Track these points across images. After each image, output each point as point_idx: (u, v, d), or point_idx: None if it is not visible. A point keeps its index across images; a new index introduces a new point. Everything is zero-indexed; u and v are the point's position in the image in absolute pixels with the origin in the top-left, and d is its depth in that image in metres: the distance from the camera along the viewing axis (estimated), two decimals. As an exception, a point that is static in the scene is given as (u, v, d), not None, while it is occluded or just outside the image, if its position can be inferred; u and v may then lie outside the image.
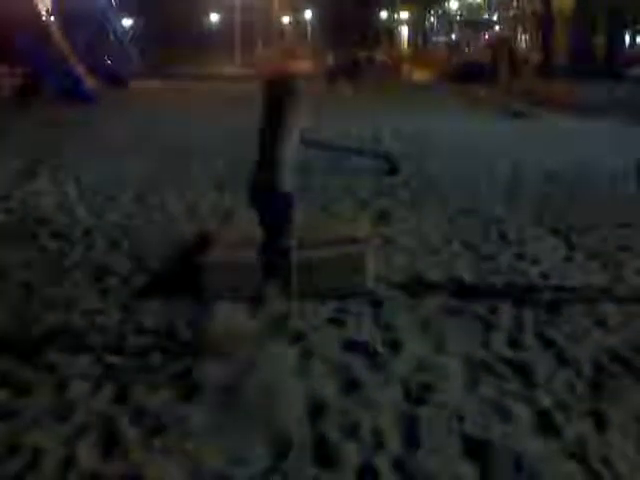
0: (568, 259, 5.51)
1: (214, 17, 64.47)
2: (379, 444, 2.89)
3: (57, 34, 20.91)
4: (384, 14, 68.22)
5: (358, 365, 3.61)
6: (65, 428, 3.02)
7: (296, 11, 58.40)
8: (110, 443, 2.92)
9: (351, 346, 3.84)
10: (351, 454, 2.82)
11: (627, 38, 36.11)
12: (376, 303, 4.47)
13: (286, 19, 61.24)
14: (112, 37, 31.81)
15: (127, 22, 46.39)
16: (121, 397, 3.30)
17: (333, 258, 4.66)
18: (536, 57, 36.62)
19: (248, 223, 5.86)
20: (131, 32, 43.57)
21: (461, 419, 3.06)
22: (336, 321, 4.21)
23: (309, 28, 61.83)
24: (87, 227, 6.50)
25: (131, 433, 2.98)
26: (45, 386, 3.40)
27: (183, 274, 4.94)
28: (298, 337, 3.95)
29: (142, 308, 4.45)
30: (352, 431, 2.99)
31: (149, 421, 3.07)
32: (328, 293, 4.49)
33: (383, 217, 6.83)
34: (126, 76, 27.99)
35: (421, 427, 3.01)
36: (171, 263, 5.41)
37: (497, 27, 58.98)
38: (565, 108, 19.01)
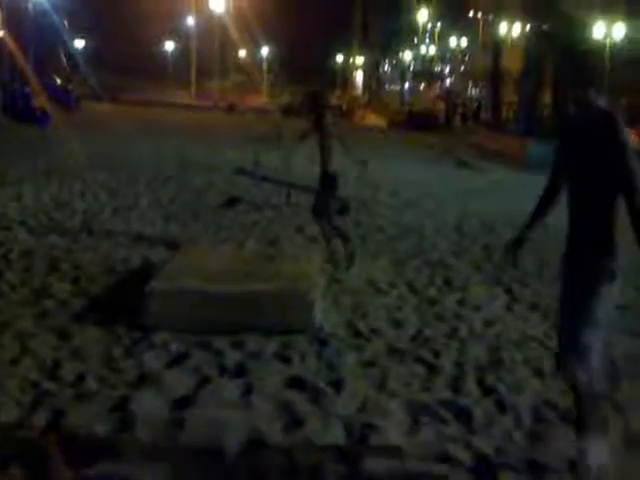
0: (509, 308, 5.63)
1: (169, 45, 64.54)
2: (319, 484, 2.85)
3: (7, 52, 20.57)
4: (340, 58, 69.75)
5: (301, 402, 3.57)
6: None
7: (254, 46, 59.04)
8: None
9: (295, 383, 3.80)
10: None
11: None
12: (321, 341, 4.46)
13: (243, 53, 61.84)
14: (64, 58, 31.44)
15: (80, 43, 45.93)
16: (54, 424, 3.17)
17: (280, 293, 4.65)
18: (485, 111, 37.93)
19: (194, 252, 5.84)
20: (84, 53, 43.16)
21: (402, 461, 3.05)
22: (281, 357, 4.17)
23: (265, 64, 62.56)
24: (26, 248, 6.32)
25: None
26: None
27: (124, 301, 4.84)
28: (240, 372, 3.90)
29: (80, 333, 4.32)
30: (292, 469, 2.94)
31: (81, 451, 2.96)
32: (274, 328, 4.46)
33: (332, 256, 6.86)
34: (76, 99, 27.64)
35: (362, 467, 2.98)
36: (112, 289, 5.29)
37: (448, 80, 61.02)
38: (510, 161, 19.69)
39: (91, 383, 3.65)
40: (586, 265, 2.83)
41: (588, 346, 2.75)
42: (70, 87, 29.17)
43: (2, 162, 11.63)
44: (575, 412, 2.94)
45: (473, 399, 3.78)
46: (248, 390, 3.68)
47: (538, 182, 13.13)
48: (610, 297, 2.79)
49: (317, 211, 6.60)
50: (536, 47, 27.31)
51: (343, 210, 9.38)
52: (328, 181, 6.52)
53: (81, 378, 3.69)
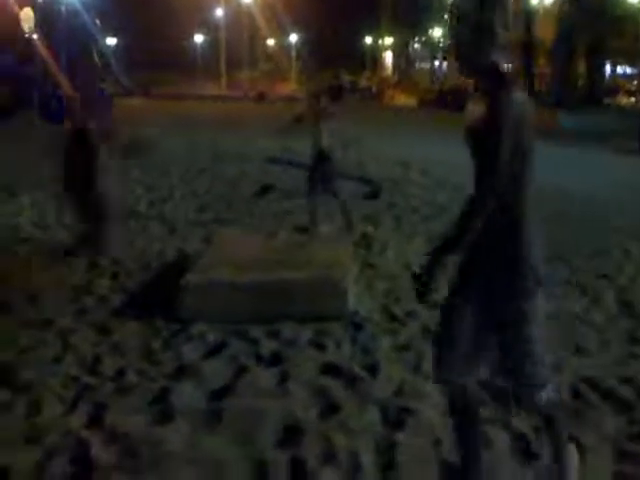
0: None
1: (198, 38, 64.83)
2: (356, 468, 2.87)
3: (41, 53, 20.92)
4: (369, 39, 69.10)
5: (337, 388, 3.59)
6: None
7: (282, 34, 58.93)
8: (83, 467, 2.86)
9: (330, 369, 3.82)
10: (329, 478, 2.79)
11: (607, 67, 36.84)
12: (356, 326, 4.47)
13: (271, 42, 61.77)
14: (96, 56, 31.86)
15: (111, 41, 46.49)
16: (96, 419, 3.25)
17: (314, 280, 4.66)
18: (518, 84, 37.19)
19: (228, 243, 5.89)
20: (115, 51, 43.68)
21: (439, 444, 3.05)
22: (316, 344, 4.19)
23: (294, 52, 62.41)
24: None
25: (105, 457, 2.93)
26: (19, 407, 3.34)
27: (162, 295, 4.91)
28: (276, 360, 3.94)
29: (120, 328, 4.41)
30: (329, 455, 2.96)
31: (124, 445, 3.03)
32: (308, 315, 4.48)
33: (365, 241, 6.85)
34: (110, 96, 27.99)
35: (399, 451, 2.99)
36: (149, 283, 5.37)
37: (480, 55, 59.84)
38: (547, 134, 19.28)
39: (131, 376, 3.73)
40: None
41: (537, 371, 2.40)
42: (103, 85, 29.59)
43: (39, 162, 11.86)
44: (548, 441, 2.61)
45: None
46: (284, 378, 3.71)
47: (569, 153, 13.01)
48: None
49: (311, 188, 6.91)
50: (569, 15, 26.65)
51: (375, 194, 9.37)
52: (321, 159, 6.71)
53: (121, 372, 3.77)
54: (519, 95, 2.27)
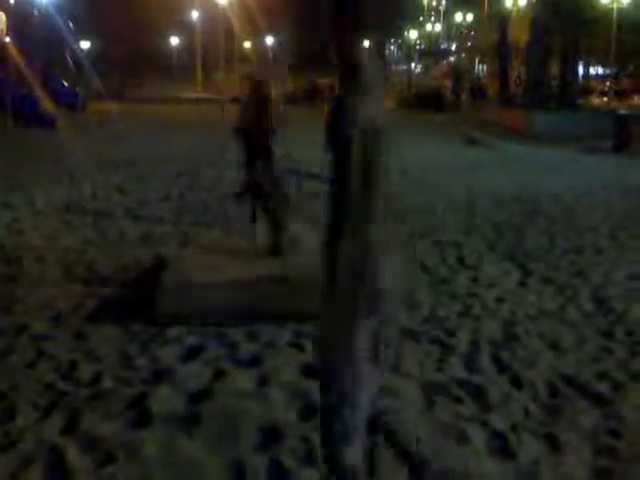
0: (522, 284, 5.59)
1: (174, 40, 64.43)
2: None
3: (14, 57, 20.66)
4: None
5: (316, 389, 3.57)
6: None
7: (258, 36, 58.79)
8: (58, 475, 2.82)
9: (309, 370, 3.81)
10: (308, 480, 2.79)
11: (581, 69, 37.31)
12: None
13: (248, 44, 61.64)
14: (70, 60, 31.55)
15: (85, 44, 46.00)
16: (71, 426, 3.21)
17: (292, 279, 4.65)
18: (493, 86, 37.56)
19: (204, 245, 5.85)
20: (89, 54, 43.24)
21: (416, 442, 3.05)
22: (295, 345, 4.18)
23: (270, 54, 62.33)
24: (39, 253, 6.37)
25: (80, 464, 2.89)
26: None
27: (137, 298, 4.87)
28: (255, 362, 3.92)
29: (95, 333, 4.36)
30: (309, 457, 2.95)
31: (100, 451, 2.99)
32: (287, 315, 4.47)
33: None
34: (83, 100, 27.74)
35: (377, 452, 2.98)
36: (126, 287, 5.32)
37: (455, 56, 60.45)
38: (521, 136, 19.50)
39: (107, 382, 3.68)
40: None
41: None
42: (77, 89, 29.30)
43: (13, 166, 11.72)
44: None
45: (488, 377, 3.77)
46: (263, 380, 3.69)
47: (544, 153, 13.13)
48: None
49: (245, 189, 6.35)
50: (543, 18, 26.93)
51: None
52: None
53: (97, 378, 3.73)
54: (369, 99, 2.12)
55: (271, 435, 3.11)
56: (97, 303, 4.95)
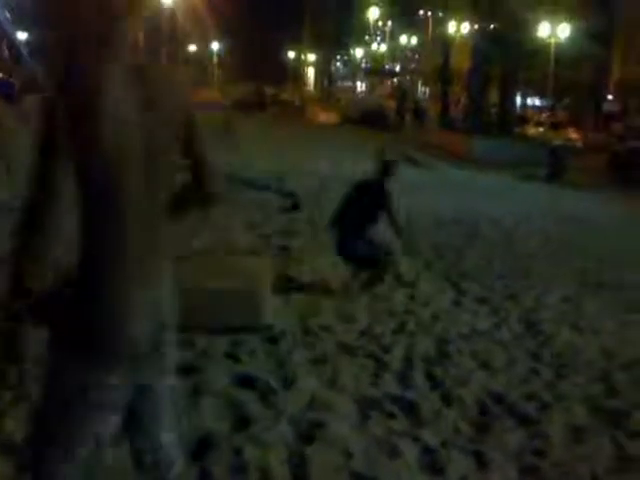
0: (457, 303, 5.72)
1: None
2: (267, 482, 2.84)
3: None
4: (292, 54, 69.64)
5: (250, 401, 3.55)
6: None
7: (204, 41, 58.40)
8: None
9: (244, 381, 3.78)
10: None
11: (518, 99, 38.58)
12: (271, 338, 4.45)
13: (192, 47, 61.11)
14: (6, 50, 30.50)
15: (23, 36, 44.57)
16: None
17: (230, 291, 4.61)
18: (435, 109, 38.43)
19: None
20: (28, 46, 41.90)
21: (350, 456, 3.07)
22: (230, 355, 4.14)
23: (216, 59, 62.00)
24: None
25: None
26: None
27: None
28: (189, 371, 3.85)
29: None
30: (240, 469, 2.92)
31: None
32: (224, 326, 4.42)
33: (284, 252, 6.85)
34: (18, 90, 26.87)
35: (310, 464, 2.98)
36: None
37: (399, 77, 61.57)
38: (460, 159, 20.00)
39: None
40: None
41: None
42: (12, 80, 28.36)
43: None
44: None
45: (421, 393, 3.83)
46: (197, 390, 3.64)
47: (482, 178, 13.49)
48: None
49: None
50: (483, 46, 27.77)
51: (295, 206, 9.41)
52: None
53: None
54: None
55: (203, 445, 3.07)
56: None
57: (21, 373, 1.65)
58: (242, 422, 3.32)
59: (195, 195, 2.03)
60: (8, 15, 31.89)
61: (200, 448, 3.04)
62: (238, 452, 3.03)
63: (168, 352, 1.93)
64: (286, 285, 5.67)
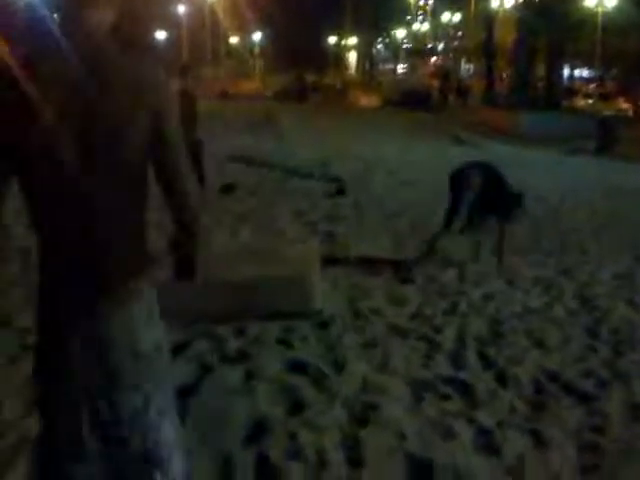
0: (509, 282, 5.63)
1: (160, 35, 63.97)
2: (323, 464, 2.87)
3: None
4: (333, 39, 69.29)
5: (303, 385, 3.58)
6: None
7: (246, 32, 58.59)
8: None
9: (297, 366, 3.81)
10: (295, 475, 2.79)
11: (566, 71, 37.59)
12: (322, 323, 4.47)
13: (234, 39, 61.39)
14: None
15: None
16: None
17: (280, 278, 4.64)
18: (479, 86, 37.76)
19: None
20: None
21: (404, 438, 3.07)
22: (282, 341, 4.18)
23: (257, 50, 62.17)
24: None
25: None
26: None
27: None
28: (242, 358, 3.91)
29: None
30: (296, 452, 2.95)
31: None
32: (274, 313, 4.47)
33: (331, 238, 6.86)
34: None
35: (365, 447, 3.00)
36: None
37: (441, 56, 60.65)
38: (507, 136, 19.63)
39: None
40: None
41: None
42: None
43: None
44: None
45: (474, 373, 3.80)
46: (250, 375, 3.69)
47: (529, 153, 13.25)
48: None
49: None
50: (528, 19, 27.09)
51: (340, 192, 9.40)
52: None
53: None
54: None
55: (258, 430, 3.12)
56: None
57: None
58: (296, 407, 3.35)
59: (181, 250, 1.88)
60: (55, 17, 32.72)
61: (256, 433, 3.09)
62: (293, 436, 3.07)
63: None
64: (334, 270, 5.68)
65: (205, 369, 3.76)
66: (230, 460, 2.86)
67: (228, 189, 9.40)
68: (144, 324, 1.72)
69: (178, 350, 4.01)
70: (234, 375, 3.70)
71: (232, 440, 3.01)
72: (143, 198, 1.69)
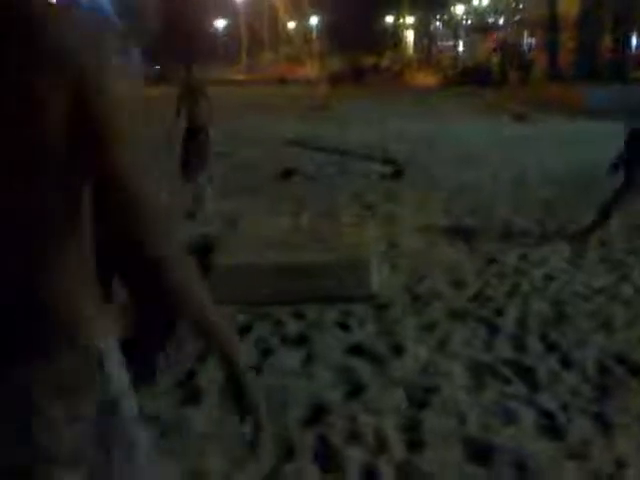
0: (572, 261, 5.49)
1: (220, 23, 64.60)
2: (382, 447, 2.88)
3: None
4: (390, 19, 68.40)
5: (362, 368, 3.59)
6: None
7: (302, 17, 58.51)
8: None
9: (355, 350, 3.83)
10: (354, 457, 2.81)
11: (634, 41, 35.99)
12: (381, 307, 4.47)
13: (292, 24, 61.43)
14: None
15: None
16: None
17: (338, 262, 4.66)
18: (542, 60, 36.60)
19: (252, 226, 5.92)
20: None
21: (464, 421, 3.05)
22: (341, 325, 4.20)
23: (315, 34, 61.95)
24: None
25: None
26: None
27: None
28: (301, 341, 3.95)
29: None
30: (355, 435, 2.97)
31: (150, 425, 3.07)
32: (333, 297, 4.49)
33: (389, 220, 6.83)
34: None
35: (424, 430, 2.99)
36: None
37: (503, 31, 58.99)
38: (572, 111, 18.98)
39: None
40: None
41: None
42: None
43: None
44: None
45: (537, 356, 3.73)
46: (309, 358, 3.73)
47: (596, 129, 12.81)
48: None
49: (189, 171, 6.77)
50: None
51: (397, 173, 9.33)
52: (193, 136, 6.73)
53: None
54: None
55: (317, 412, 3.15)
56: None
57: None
58: (355, 390, 3.37)
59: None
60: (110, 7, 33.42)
61: (315, 415, 3.13)
62: (353, 419, 3.09)
63: None
64: (391, 253, 5.66)
65: (266, 351, 3.82)
66: (290, 440, 2.91)
67: (288, 174, 9.46)
68: None
69: (240, 333, 4.09)
70: (294, 358, 3.74)
71: (292, 422, 3.06)
72: (76, 221, 1.07)
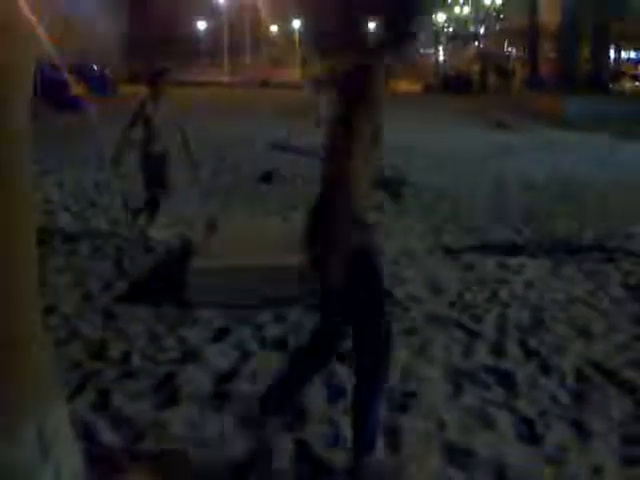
0: (551, 270, 5.53)
1: (201, 24, 64.30)
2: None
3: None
4: (372, 25, 68.67)
5: (342, 372, 3.58)
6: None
7: (284, 20, 58.53)
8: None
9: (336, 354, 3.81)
10: (335, 460, 2.80)
11: (612, 53, 36.54)
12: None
13: (274, 28, 61.43)
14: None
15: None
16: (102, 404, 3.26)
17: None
18: (522, 70, 37.02)
19: (233, 228, 5.88)
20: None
21: (443, 426, 3.05)
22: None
23: (297, 37, 62.01)
24: (70, 232, 6.45)
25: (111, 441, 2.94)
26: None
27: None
28: (281, 344, 3.93)
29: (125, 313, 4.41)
30: (335, 438, 2.96)
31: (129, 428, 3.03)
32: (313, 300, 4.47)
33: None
34: (113, 83, 28.00)
35: (404, 434, 2.99)
36: (154, 269, 5.37)
37: (484, 40, 59.60)
38: (551, 120, 19.20)
39: (136, 361, 3.73)
40: None
41: None
42: (107, 72, 29.57)
43: (42, 150, 11.85)
44: None
45: (516, 362, 3.75)
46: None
47: (576, 139, 12.92)
48: None
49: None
50: (573, 0, 26.44)
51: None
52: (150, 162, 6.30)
53: (126, 357, 3.78)
54: None
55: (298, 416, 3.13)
56: (127, 284, 5.01)
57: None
58: (338, 393, 3.36)
59: None
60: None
61: (296, 419, 3.11)
62: (332, 423, 3.08)
63: None
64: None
65: (245, 354, 3.80)
66: (269, 444, 2.89)
67: (268, 177, 9.45)
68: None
69: (219, 336, 4.06)
70: (274, 361, 3.72)
71: (271, 425, 3.03)
72: None
